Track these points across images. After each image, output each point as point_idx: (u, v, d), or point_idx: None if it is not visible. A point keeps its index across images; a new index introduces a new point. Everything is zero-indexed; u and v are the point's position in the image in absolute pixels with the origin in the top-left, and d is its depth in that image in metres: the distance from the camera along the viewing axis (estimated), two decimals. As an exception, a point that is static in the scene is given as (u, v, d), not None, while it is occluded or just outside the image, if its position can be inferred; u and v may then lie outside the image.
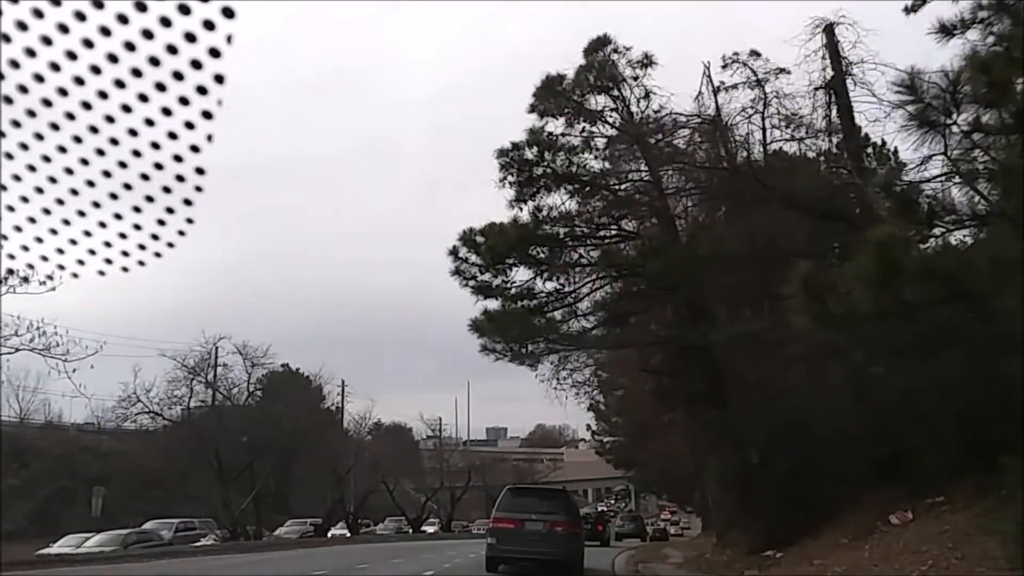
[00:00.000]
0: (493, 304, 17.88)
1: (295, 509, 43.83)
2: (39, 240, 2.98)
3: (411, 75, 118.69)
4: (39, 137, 2.71)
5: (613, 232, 18.57)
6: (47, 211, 2.88)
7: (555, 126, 17.85)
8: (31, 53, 2.48)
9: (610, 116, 18.46)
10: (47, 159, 2.77)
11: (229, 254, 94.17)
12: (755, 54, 16.90)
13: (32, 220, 2.94)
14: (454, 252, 17.51)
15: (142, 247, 3.02)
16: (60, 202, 2.88)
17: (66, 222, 2.90)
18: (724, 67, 17.19)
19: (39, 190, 2.84)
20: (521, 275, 17.82)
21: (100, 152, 2.76)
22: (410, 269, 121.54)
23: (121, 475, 38.19)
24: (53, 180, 2.83)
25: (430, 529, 50.85)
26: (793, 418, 14.31)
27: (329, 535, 39.91)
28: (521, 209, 17.41)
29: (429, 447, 58.71)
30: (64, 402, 47.62)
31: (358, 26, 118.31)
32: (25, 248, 2.96)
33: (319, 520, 40.66)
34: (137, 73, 2.52)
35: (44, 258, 2.99)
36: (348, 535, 40.93)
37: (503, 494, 16.17)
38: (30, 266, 3.01)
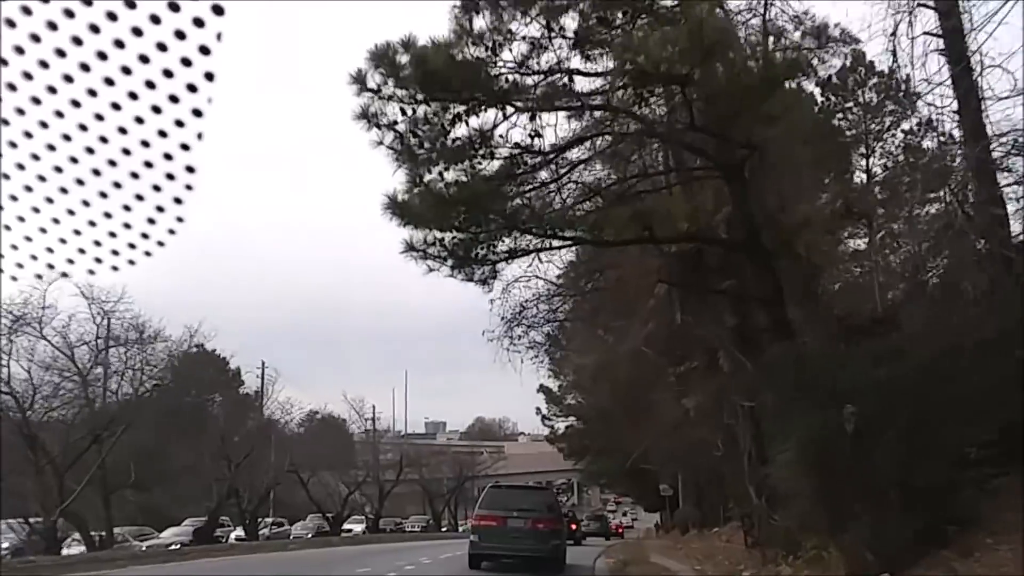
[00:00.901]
0: (428, 176, 11.38)
1: (182, 509, 35.58)
2: (28, 239, 2.97)
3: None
4: (28, 135, 2.70)
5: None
6: (36, 209, 2.88)
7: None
8: (20, 51, 2.48)
9: None
10: (36, 157, 2.76)
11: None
12: None
13: (21, 219, 2.93)
14: (360, 81, 10.62)
15: (132, 246, 3.01)
16: (49, 200, 2.87)
17: (55, 220, 2.90)
18: None
19: (28, 188, 2.83)
20: (474, 124, 11.23)
21: (90, 150, 2.75)
22: (343, 264, 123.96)
23: None
24: (42, 178, 2.83)
25: (357, 528, 44.46)
26: (911, 362, 9.03)
27: (232, 539, 33.14)
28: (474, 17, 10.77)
29: (367, 440, 52.47)
30: None
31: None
32: (14, 247, 2.94)
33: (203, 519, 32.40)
34: (127, 71, 2.52)
35: (34, 257, 2.98)
36: (244, 538, 33.27)
37: (486, 491, 16.43)
38: (19, 265, 2.99)
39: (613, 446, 36.13)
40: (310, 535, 40.00)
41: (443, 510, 56.20)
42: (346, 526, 43.10)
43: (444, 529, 53.65)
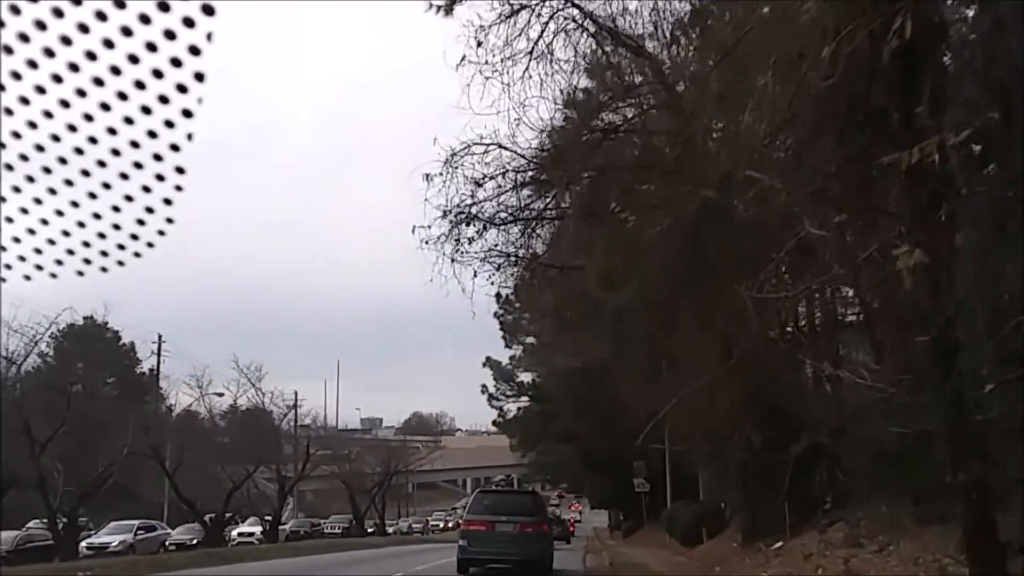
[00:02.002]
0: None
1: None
2: (16, 240, 2.94)
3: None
4: (16, 136, 2.68)
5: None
6: (24, 210, 2.86)
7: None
8: (8, 51, 2.46)
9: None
10: (24, 158, 2.74)
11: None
12: None
13: (10, 220, 2.90)
14: None
15: (121, 247, 2.99)
16: (38, 201, 2.85)
17: (44, 221, 2.88)
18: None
19: (16, 189, 2.81)
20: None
21: (79, 151, 2.74)
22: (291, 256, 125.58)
23: None
24: (31, 179, 2.81)
25: (253, 530, 35.33)
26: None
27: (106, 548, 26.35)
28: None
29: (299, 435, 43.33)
30: None
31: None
32: (2, 248, 2.92)
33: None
34: (116, 71, 2.51)
35: (22, 258, 2.96)
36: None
37: (473, 496, 16.63)
38: (8, 267, 2.97)
39: (584, 426, 30.19)
40: (193, 540, 30.06)
41: (367, 509, 49.24)
42: (245, 529, 35.98)
43: (370, 531, 47.33)
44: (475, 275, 15.55)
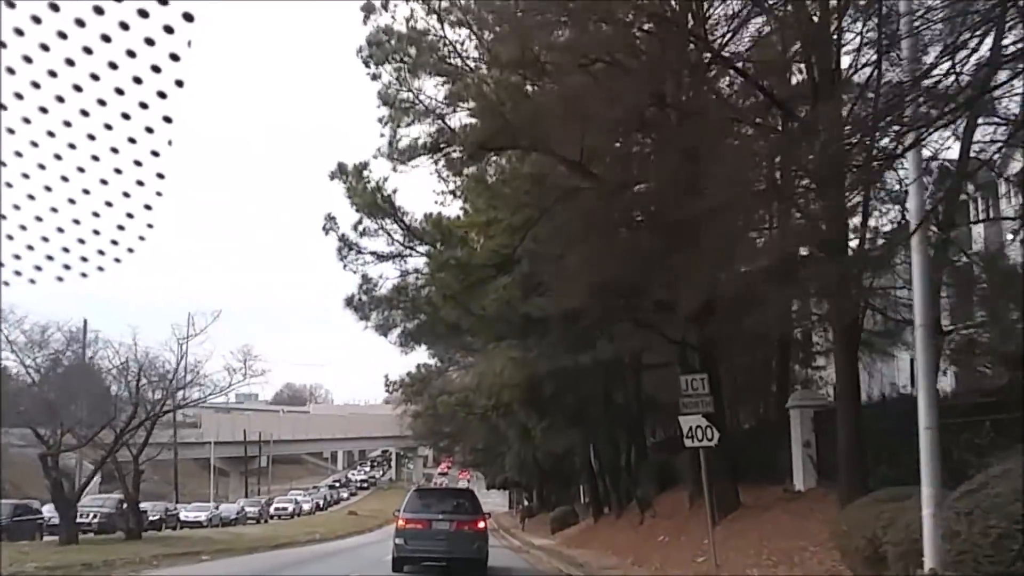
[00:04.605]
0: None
1: None
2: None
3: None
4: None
5: None
6: (2, 216, 2.85)
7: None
8: (-13, 56, 2.46)
9: None
10: (2, 163, 2.74)
11: None
12: None
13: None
14: None
15: (101, 252, 2.99)
16: (16, 207, 2.84)
17: (23, 227, 2.87)
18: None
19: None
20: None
21: (57, 156, 2.74)
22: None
23: None
24: (9, 185, 2.80)
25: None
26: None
27: None
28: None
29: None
30: None
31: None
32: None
33: None
34: (95, 76, 2.52)
35: (-1, 264, 2.95)
36: None
37: (409, 495, 16.63)
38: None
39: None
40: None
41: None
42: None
43: (155, 518, 30.80)
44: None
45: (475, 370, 29.28)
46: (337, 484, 79.87)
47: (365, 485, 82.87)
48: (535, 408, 24.82)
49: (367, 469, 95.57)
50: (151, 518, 29.71)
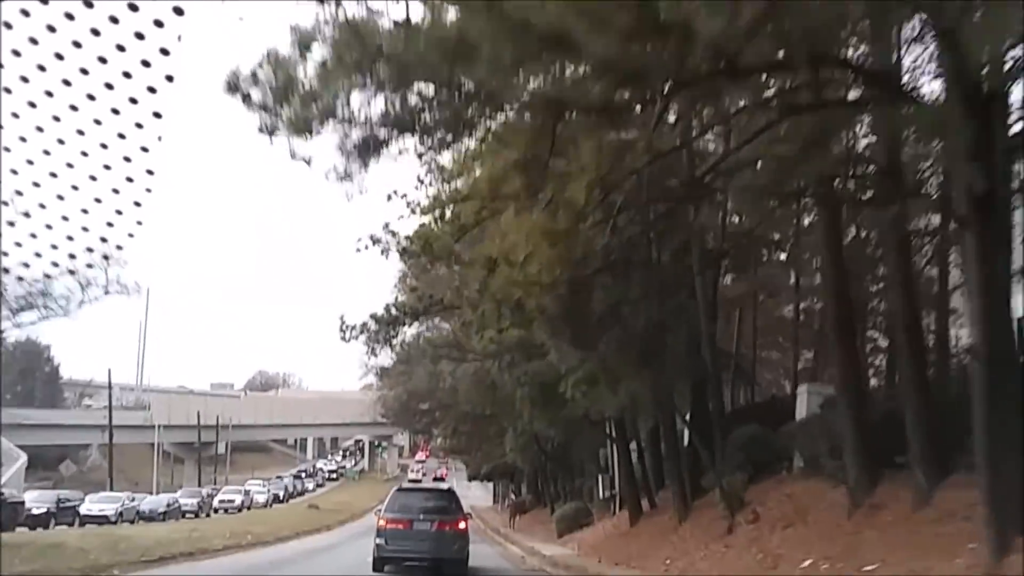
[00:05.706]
0: None
1: None
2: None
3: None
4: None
5: None
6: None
7: None
8: (-26, 51, 2.44)
9: None
10: (-7, 157, 2.72)
11: None
12: None
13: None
14: None
15: (90, 250, 2.98)
16: (4, 203, 2.83)
17: (10, 224, 2.86)
18: None
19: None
20: None
21: (46, 152, 2.73)
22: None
23: None
24: (-4, 181, 2.78)
25: None
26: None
27: None
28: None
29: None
30: None
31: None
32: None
33: None
34: (85, 72, 2.51)
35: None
36: None
37: (391, 495, 16.74)
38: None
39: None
40: None
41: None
42: None
43: (40, 512, 25.76)
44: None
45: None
46: (303, 474, 75.16)
47: (334, 476, 78.69)
48: (580, 326, 14.14)
49: (338, 459, 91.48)
50: (34, 511, 24.74)
